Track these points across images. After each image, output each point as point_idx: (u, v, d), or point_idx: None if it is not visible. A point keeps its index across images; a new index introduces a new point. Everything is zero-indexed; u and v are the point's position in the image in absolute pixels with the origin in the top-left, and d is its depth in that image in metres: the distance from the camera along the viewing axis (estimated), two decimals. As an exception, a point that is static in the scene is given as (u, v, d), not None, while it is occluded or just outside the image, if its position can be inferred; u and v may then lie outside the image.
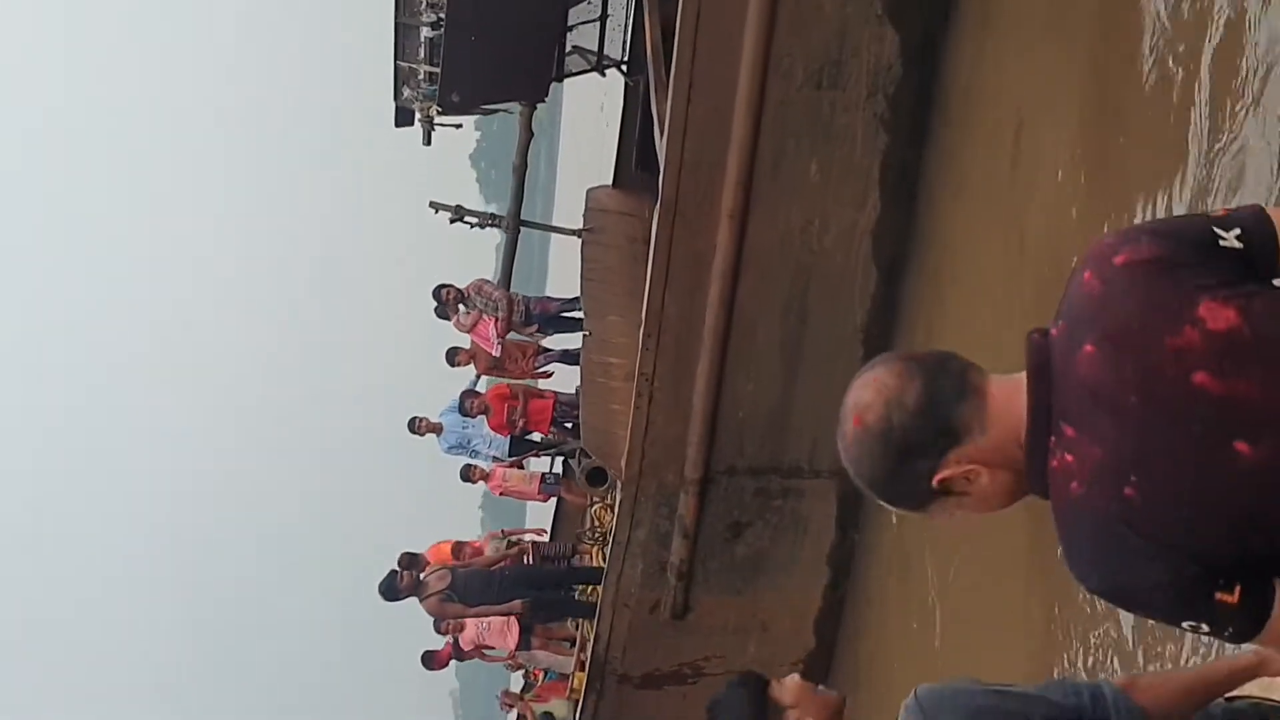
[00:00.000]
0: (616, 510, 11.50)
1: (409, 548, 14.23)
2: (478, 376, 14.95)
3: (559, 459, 15.11)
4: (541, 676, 14.97)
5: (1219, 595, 2.18)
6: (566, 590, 12.78)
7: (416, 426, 15.26)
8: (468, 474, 15.15)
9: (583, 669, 13.00)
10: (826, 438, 10.02)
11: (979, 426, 2.30)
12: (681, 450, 10.78)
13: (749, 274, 10.25)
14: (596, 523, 13.36)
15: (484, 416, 14.31)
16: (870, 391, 2.33)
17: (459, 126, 13.52)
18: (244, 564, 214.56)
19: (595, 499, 13.33)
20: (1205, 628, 2.22)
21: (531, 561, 13.72)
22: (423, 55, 12.88)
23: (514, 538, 13.89)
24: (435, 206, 14.65)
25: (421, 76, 12.92)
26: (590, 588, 12.44)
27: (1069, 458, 2.23)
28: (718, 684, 10.64)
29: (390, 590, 12.23)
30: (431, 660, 13.85)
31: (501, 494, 15.21)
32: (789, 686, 3.42)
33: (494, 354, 14.61)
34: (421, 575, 12.23)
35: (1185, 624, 2.23)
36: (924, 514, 2.43)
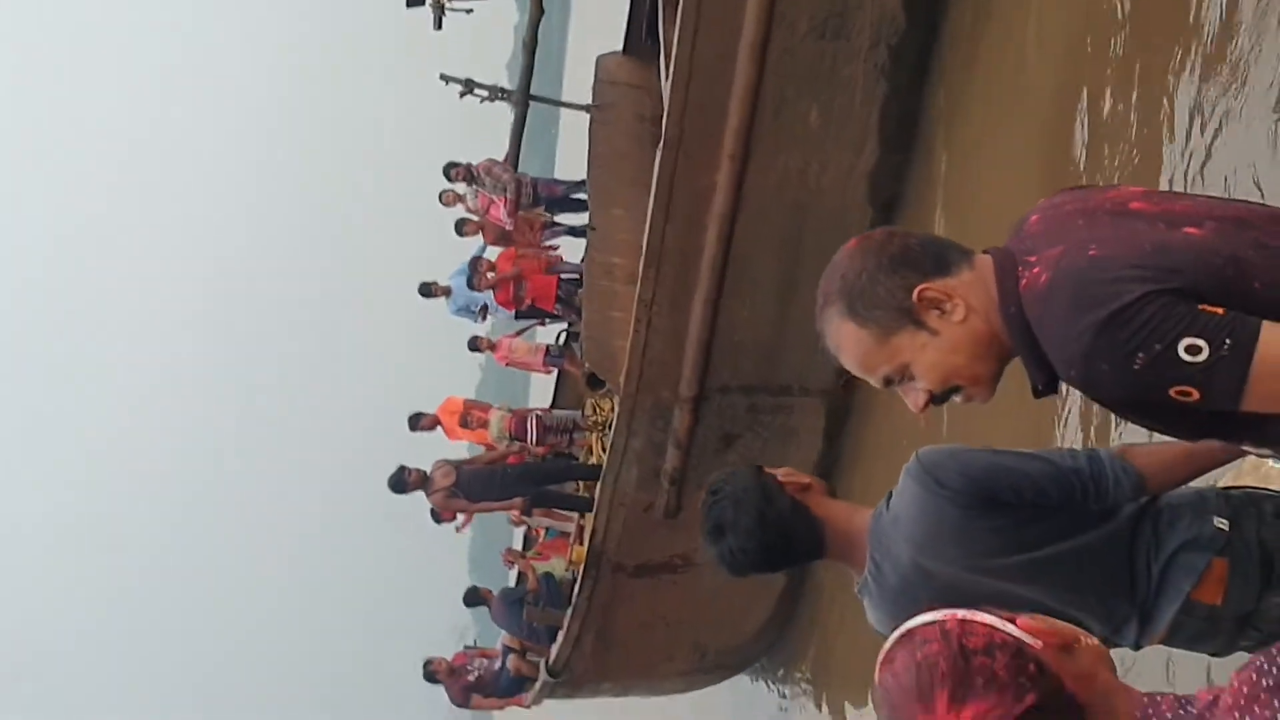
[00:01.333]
0: (614, 418, 12.07)
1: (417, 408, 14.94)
2: (484, 246, 15.26)
3: (564, 333, 15.51)
4: (543, 534, 15.65)
5: (1204, 307, 2.18)
6: (563, 490, 13.34)
7: (431, 290, 15.69)
8: (475, 343, 15.62)
9: (581, 542, 13.72)
10: (816, 361, 10.62)
11: (968, 266, 2.49)
12: (677, 371, 11.26)
13: (747, 211, 10.57)
14: (595, 410, 13.85)
15: (491, 292, 14.73)
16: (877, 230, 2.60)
17: (470, 11, 13.53)
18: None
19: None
20: (1202, 345, 2.16)
21: (535, 434, 14.28)
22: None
23: (516, 438, 14.30)
24: (445, 79, 14.78)
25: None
26: (584, 486, 13.02)
27: (1035, 269, 2.37)
28: (705, 571, 11.41)
29: (399, 484, 12.82)
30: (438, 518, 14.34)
31: (507, 364, 15.69)
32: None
33: (502, 224, 14.93)
34: (429, 471, 12.77)
35: (1182, 346, 2.17)
36: (885, 351, 2.47)
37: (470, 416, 14.96)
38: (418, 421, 15.23)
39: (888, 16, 10.02)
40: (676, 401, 11.39)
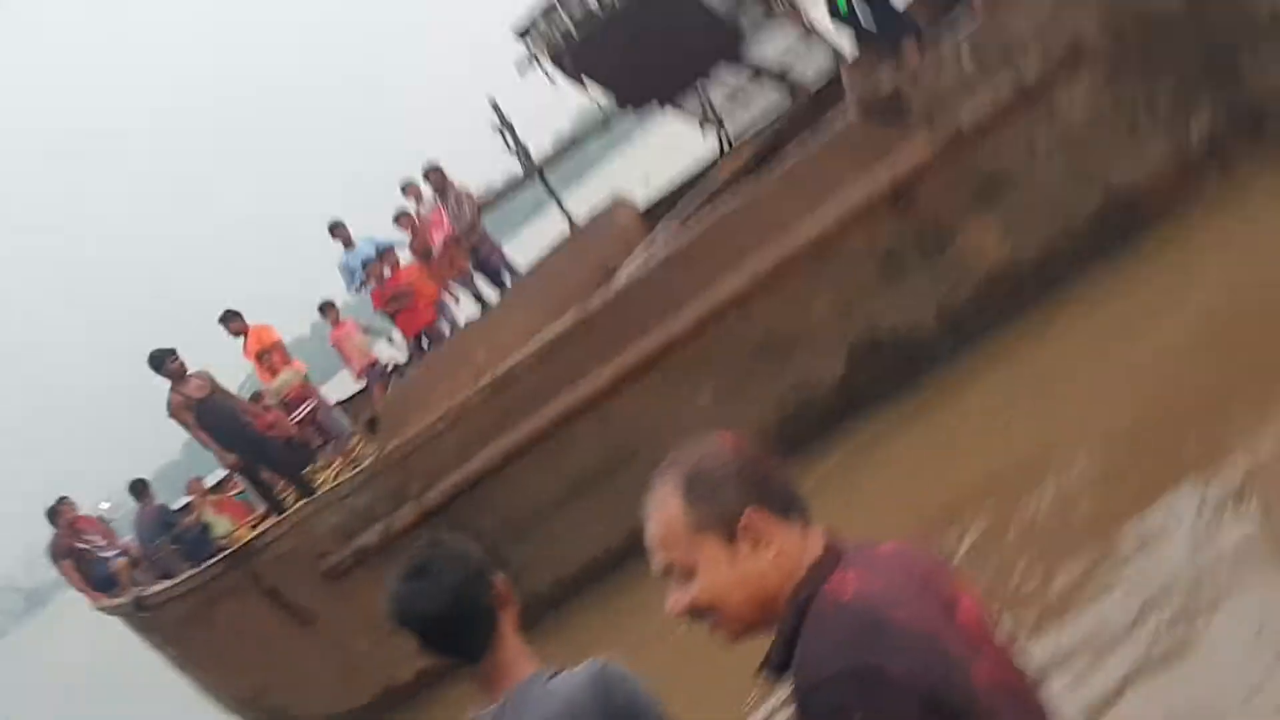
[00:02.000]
0: (358, 465, 12.09)
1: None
2: (402, 245, 15.37)
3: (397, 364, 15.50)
4: (235, 491, 15.43)
5: None
6: (276, 479, 13.19)
7: (336, 233, 15.70)
8: (324, 310, 15.56)
9: (251, 530, 13.57)
10: (544, 560, 10.66)
11: (802, 526, 2.40)
12: (439, 479, 11.29)
13: (603, 410, 10.74)
14: (356, 448, 13.75)
15: (373, 285, 14.76)
16: None
17: (553, 83, 13.72)
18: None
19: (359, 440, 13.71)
20: None
21: (302, 415, 14.23)
22: (575, 9, 13.07)
23: (286, 404, 14.27)
24: (494, 107, 14.92)
25: (558, 25, 13.12)
26: (294, 491, 12.91)
27: (849, 581, 2.32)
28: (317, 638, 11.23)
29: (158, 363, 12.55)
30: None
31: (334, 344, 15.62)
32: None
33: (433, 245, 14.99)
34: (189, 372, 12.57)
35: None
36: (688, 543, 2.37)
37: (271, 356, 14.85)
38: (230, 320, 15.14)
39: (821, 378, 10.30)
40: (417, 500, 11.39)
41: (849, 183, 9.71)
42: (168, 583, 13.40)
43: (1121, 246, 9.36)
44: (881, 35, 10.42)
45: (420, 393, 12.55)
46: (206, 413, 12.34)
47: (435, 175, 14.75)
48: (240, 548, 12.55)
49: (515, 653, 3.01)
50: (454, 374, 12.81)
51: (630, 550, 10.52)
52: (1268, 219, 8.55)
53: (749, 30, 14.03)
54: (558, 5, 13.52)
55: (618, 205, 16.18)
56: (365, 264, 15.10)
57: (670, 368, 10.50)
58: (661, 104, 15.11)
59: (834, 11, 10.35)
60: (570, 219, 15.05)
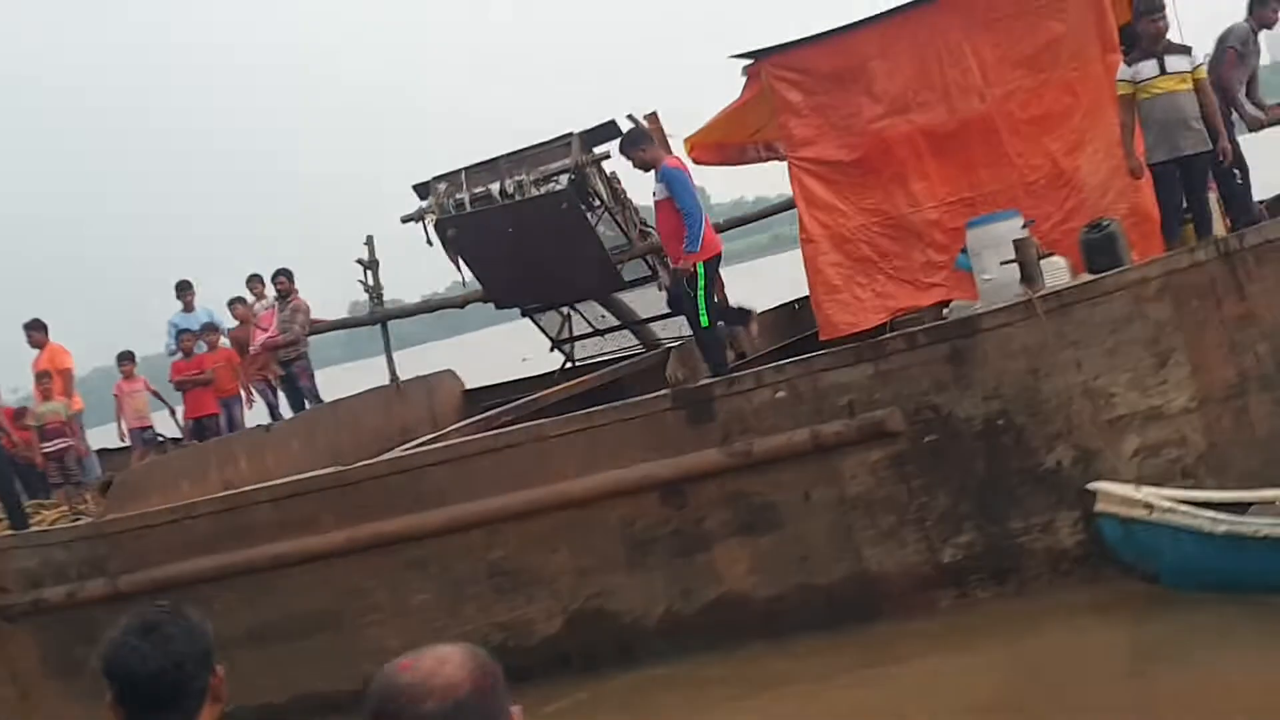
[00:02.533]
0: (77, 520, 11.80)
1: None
2: (227, 330, 15.29)
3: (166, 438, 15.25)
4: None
5: None
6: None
7: (183, 293, 15.72)
8: (122, 359, 15.36)
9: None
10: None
11: None
12: (143, 569, 11.00)
13: (321, 572, 10.56)
14: (89, 502, 13.43)
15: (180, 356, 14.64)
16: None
17: (430, 245, 13.87)
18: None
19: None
20: None
21: (45, 448, 13.90)
22: (464, 194, 13.28)
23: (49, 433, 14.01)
24: (368, 241, 14.96)
25: (450, 203, 13.31)
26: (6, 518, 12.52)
27: None
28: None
29: None
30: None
31: (115, 395, 15.35)
32: None
33: (252, 343, 14.91)
34: None
35: None
36: None
37: (52, 380, 14.57)
38: (34, 330, 14.96)
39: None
40: (113, 579, 11.07)
41: (633, 459, 9.83)
42: None
43: (845, 625, 9.54)
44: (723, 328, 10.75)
45: (167, 477, 12.31)
46: None
47: (283, 280, 14.74)
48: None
49: None
50: (205, 474, 12.62)
51: (290, 716, 10.39)
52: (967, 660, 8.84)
53: (625, 278, 14.33)
54: (463, 176, 13.74)
55: (447, 377, 16.29)
56: (184, 333, 14.96)
57: (405, 554, 10.42)
58: (524, 312, 15.29)
59: (695, 325, 10.62)
60: (394, 374, 15.03)
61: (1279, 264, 9.08)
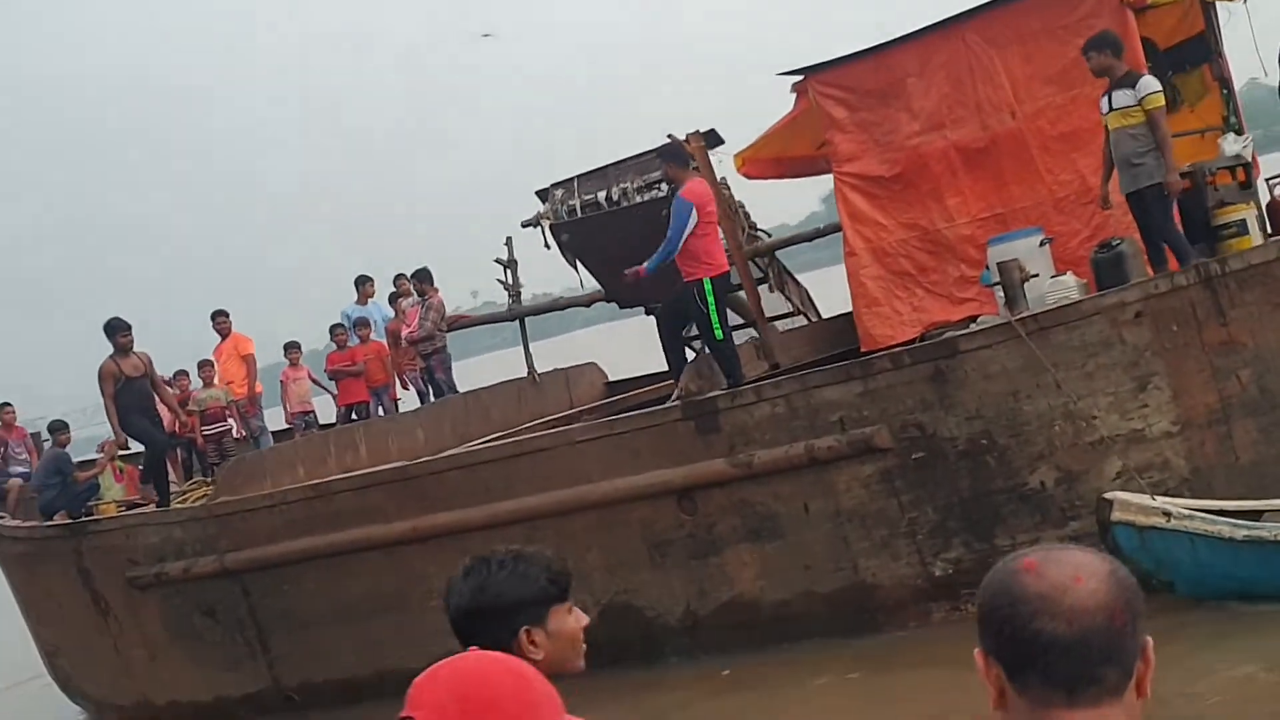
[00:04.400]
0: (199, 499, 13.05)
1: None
2: (381, 321, 16.48)
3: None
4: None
5: None
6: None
7: (364, 285, 17.01)
8: (289, 348, 16.74)
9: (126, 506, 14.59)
10: (310, 667, 11.42)
11: None
12: (246, 548, 12.14)
13: (390, 558, 11.48)
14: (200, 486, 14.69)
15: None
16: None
17: (548, 248, 14.50)
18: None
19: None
20: None
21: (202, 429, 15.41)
22: (576, 200, 13.86)
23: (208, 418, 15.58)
24: (508, 241, 15.78)
25: (564, 209, 13.91)
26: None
27: None
28: (97, 636, 12.13)
29: (111, 332, 13.27)
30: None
31: (282, 381, 16.75)
32: None
33: (405, 334, 15.98)
34: (133, 349, 13.54)
35: None
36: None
37: (212, 368, 16.10)
38: (218, 318, 16.51)
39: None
40: (220, 557, 12.20)
41: (650, 466, 10.36)
42: (20, 522, 14.50)
43: (845, 633, 9.88)
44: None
45: (282, 462, 13.45)
46: (126, 391, 13.23)
47: (403, 282, 15.93)
48: (76, 523, 13.59)
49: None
50: (324, 460, 13.71)
51: (369, 689, 11.31)
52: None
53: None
54: (576, 183, 14.37)
55: (589, 369, 17.03)
56: (337, 327, 16.17)
57: (459, 545, 11.18)
58: (648, 310, 15.84)
59: (709, 336, 11.05)
60: (531, 366, 15.81)
61: (1262, 289, 8.95)
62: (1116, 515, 8.72)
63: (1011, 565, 1.87)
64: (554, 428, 12.16)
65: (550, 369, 16.35)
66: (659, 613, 10.65)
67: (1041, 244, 10.06)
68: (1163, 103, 9.26)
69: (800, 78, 11.37)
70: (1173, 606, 8.71)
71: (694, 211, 10.50)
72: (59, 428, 16.08)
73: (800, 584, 10.12)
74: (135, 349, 13.67)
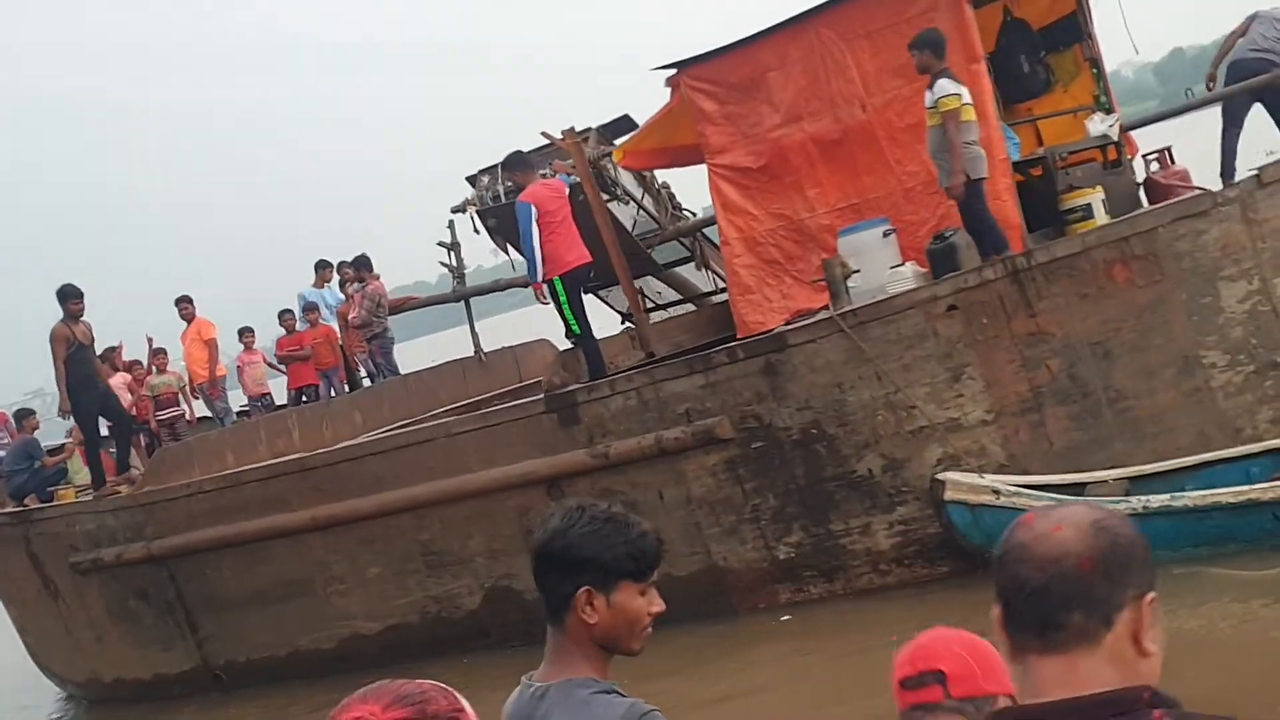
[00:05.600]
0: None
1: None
2: (328, 307, 16.99)
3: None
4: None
5: None
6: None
7: (323, 271, 17.48)
8: (243, 334, 17.30)
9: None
10: (234, 646, 12.02)
11: None
12: (169, 535, 12.74)
13: (295, 544, 12.04)
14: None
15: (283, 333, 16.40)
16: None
17: (477, 233, 14.91)
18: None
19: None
20: None
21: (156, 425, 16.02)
22: (500, 186, 14.20)
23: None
24: (450, 224, 16.20)
25: (489, 195, 14.25)
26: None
27: None
28: (52, 617, 12.79)
29: (64, 297, 13.39)
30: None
31: (238, 365, 17.37)
32: None
33: (352, 316, 16.48)
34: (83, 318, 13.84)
35: None
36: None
37: (164, 355, 16.71)
38: (183, 303, 17.12)
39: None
40: (148, 543, 12.79)
41: (521, 457, 10.82)
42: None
43: (704, 616, 10.31)
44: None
45: (211, 450, 14.04)
46: (77, 358, 13.58)
47: (346, 270, 16.44)
48: (23, 510, 14.28)
49: (581, 651, 2.89)
50: (254, 446, 14.30)
51: (286, 668, 11.87)
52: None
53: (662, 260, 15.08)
54: (500, 171, 14.76)
55: (538, 346, 17.43)
56: (285, 312, 16.73)
57: (356, 533, 11.76)
58: (588, 289, 16.20)
59: (568, 332, 11.46)
60: (477, 346, 16.25)
61: (1068, 281, 9.21)
62: (949, 495, 9.14)
63: (1023, 517, 1.97)
64: (500, 403, 12.56)
65: (499, 347, 16.77)
66: (537, 596, 11.09)
67: (886, 234, 10.34)
68: (954, 105, 9.48)
69: (674, 72, 11.65)
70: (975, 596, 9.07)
71: (533, 210, 10.87)
72: (25, 415, 16.79)
73: (662, 568, 10.51)
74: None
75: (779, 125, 11.25)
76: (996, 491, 9.05)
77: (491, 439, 11.01)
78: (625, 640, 2.89)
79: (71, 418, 14.78)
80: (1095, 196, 10.50)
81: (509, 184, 12.72)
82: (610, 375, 11.05)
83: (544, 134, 12.48)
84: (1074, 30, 12.19)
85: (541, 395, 10.97)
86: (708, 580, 10.38)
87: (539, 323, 21.58)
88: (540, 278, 11.09)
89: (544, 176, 11.91)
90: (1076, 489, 9.06)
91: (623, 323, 16.75)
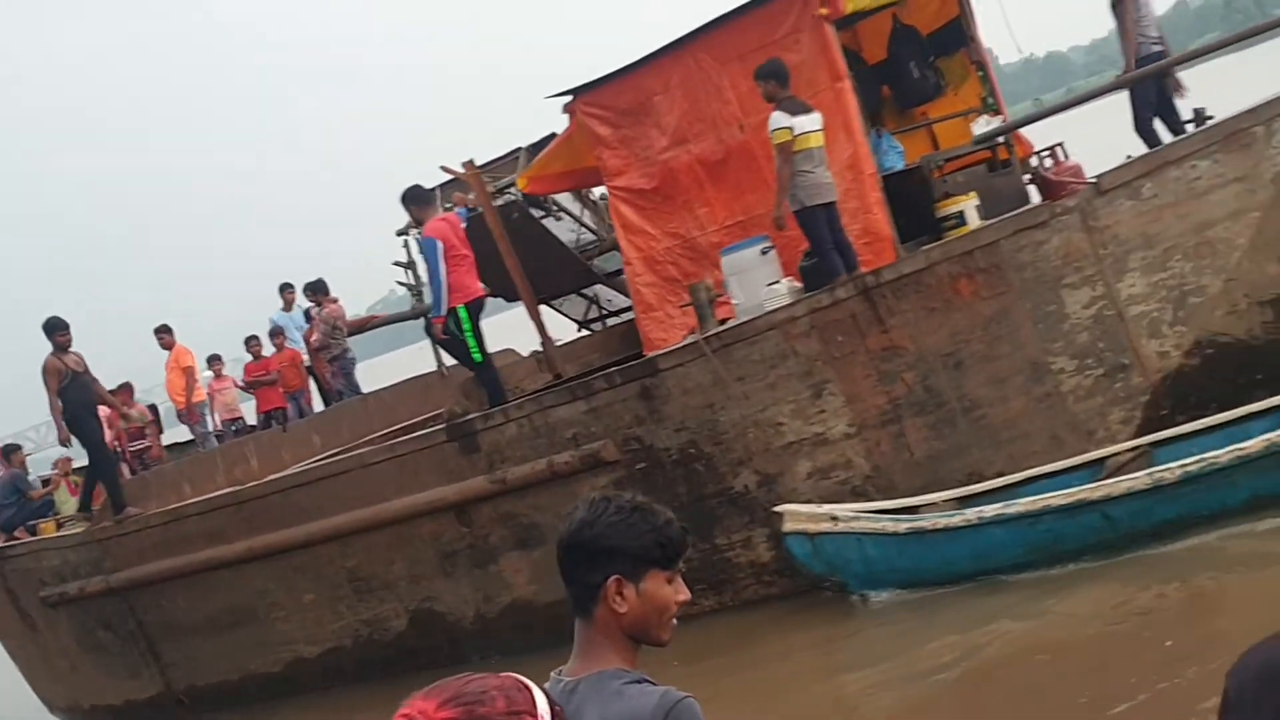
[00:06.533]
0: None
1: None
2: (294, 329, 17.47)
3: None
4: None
5: None
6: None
7: (286, 292, 17.93)
8: (212, 361, 17.82)
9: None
10: (194, 672, 12.54)
11: None
12: (126, 568, 13.26)
13: (237, 574, 12.52)
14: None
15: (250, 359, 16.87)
16: None
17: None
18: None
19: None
20: None
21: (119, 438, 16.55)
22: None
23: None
24: (405, 244, 16.61)
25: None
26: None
27: None
28: (33, 647, 13.41)
29: (50, 330, 13.37)
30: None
31: (209, 393, 17.86)
32: None
33: (312, 339, 16.95)
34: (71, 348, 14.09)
35: None
36: None
37: (130, 389, 17.24)
38: (162, 335, 17.64)
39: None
40: (107, 577, 13.34)
41: (430, 484, 11.22)
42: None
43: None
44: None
45: (168, 483, 14.57)
46: (74, 386, 13.94)
47: (291, 292, 16.90)
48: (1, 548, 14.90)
49: (610, 642, 2.87)
50: (211, 476, 14.80)
51: (241, 691, 12.36)
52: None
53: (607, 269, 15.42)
54: (438, 193, 15.14)
55: (502, 356, 17.84)
56: (252, 339, 17.25)
57: (290, 561, 12.22)
58: (541, 300, 16.53)
59: (470, 361, 11.80)
60: (440, 360, 16.64)
61: (916, 296, 9.46)
62: (788, 526, 9.40)
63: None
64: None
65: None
66: (456, 617, 11.54)
67: (764, 252, 10.62)
68: (785, 138, 9.74)
69: (570, 99, 11.95)
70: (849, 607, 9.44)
71: (439, 246, 11.23)
72: (12, 449, 17.41)
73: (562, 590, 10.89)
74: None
75: (667, 147, 11.53)
76: (835, 518, 9.31)
77: (402, 468, 11.42)
78: (655, 630, 2.86)
79: (71, 444, 15.33)
80: (968, 203, 10.71)
81: (409, 218, 13.03)
82: (509, 402, 11.41)
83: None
84: (959, 35, 12.38)
85: (444, 425, 11.34)
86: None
87: (501, 334, 21.97)
88: (444, 310, 11.44)
89: (447, 209, 12.28)
90: (910, 512, 9.35)
91: (579, 330, 17.14)
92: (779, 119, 9.81)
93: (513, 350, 17.84)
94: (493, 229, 12.24)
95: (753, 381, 9.82)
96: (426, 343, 17.29)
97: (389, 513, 11.50)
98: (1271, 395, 9.10)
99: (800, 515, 9.37)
